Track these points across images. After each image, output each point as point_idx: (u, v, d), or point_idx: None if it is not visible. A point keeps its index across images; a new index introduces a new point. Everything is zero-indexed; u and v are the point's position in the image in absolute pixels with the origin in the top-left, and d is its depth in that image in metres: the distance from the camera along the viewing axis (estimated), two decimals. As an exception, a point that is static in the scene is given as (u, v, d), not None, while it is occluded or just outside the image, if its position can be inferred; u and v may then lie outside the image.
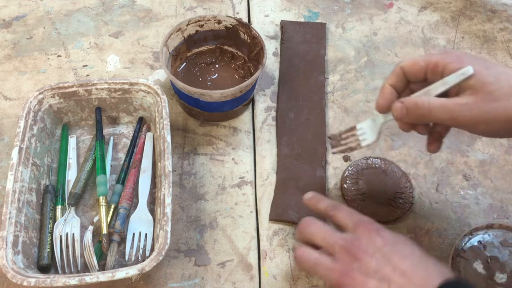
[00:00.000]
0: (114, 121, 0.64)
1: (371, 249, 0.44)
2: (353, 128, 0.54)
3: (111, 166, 0.61)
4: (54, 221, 0.56)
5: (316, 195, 0.52)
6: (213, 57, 0.69)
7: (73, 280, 0.47)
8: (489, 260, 0.55)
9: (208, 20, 0.66)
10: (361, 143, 0.53)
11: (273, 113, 0.67)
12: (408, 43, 0.75)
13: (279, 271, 0.55)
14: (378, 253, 0.44)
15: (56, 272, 0.53)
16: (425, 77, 0.47)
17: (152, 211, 0.57)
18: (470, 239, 0.56)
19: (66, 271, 0.53)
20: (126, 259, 0.54)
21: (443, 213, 0.59)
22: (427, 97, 0.45)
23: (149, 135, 0.63)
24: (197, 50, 0.69)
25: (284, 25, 0.75)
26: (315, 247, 0.48)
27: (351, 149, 0.54)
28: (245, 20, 0.77)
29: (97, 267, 0.52)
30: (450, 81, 0.44)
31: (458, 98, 0.43)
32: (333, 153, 0.56)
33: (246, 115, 0.67)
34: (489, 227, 0.57)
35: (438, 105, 0.43)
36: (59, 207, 0.57)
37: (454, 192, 0.61)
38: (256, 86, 0.68)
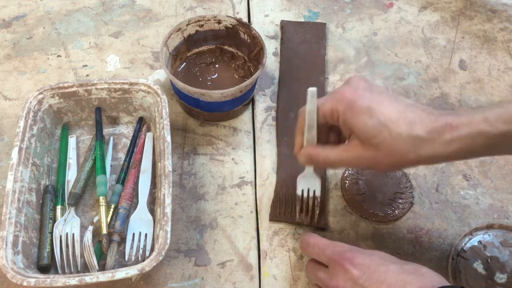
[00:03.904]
0: (114, 121, 0.64)
1: (349, 285, 0.45)
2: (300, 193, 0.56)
3: (111, 166, 0.61)
4: (54, 221, 0.56)
5: (302, 237, 0.53)
6: (213, 57, 0.69)
7: (73, 280, 0.47)
8: (489, 260, 0.55)
9: (208, 20, 0.66)
10: (317, 198, 0.55)
11: (273, 113, 0.67)
12: (408, 43, 0.75)
13: (279, 271, 0.55)
14: (356, 286, 0.45)
15: (56, 272, 0.53)
16: (327, 122, 0.50)
17: (152, 211, 0.57)
18: (470, 239, 0.56)
19: (66, 271, 0.53)
20: (126, 259, 0.54)
21: (443, 213, 0.59)
22: (324, 152, 0.49)
23: (149, 135, 0.63)
24: (197, 50, 0.69)
25: (284, 25, 0.75)
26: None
27: (316, 208, 0.56)
28: (245, 20, 0.77)
29: (97, 267, 0.52)
30: (313, 118, 0.49)
31: (350, 148, 0.47)
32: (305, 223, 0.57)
33: (246, 115, 0.67)
34: (489, 227, 0.57)
35: (336, 159, 0.49)
36: (59, 207, 0.57)
37: (454, 192, 0.61)
38: (256, 86, 0.68)
